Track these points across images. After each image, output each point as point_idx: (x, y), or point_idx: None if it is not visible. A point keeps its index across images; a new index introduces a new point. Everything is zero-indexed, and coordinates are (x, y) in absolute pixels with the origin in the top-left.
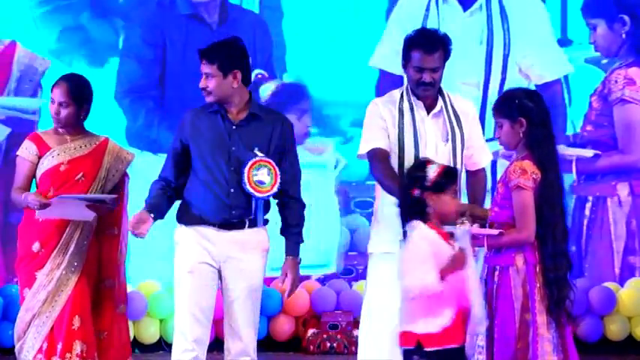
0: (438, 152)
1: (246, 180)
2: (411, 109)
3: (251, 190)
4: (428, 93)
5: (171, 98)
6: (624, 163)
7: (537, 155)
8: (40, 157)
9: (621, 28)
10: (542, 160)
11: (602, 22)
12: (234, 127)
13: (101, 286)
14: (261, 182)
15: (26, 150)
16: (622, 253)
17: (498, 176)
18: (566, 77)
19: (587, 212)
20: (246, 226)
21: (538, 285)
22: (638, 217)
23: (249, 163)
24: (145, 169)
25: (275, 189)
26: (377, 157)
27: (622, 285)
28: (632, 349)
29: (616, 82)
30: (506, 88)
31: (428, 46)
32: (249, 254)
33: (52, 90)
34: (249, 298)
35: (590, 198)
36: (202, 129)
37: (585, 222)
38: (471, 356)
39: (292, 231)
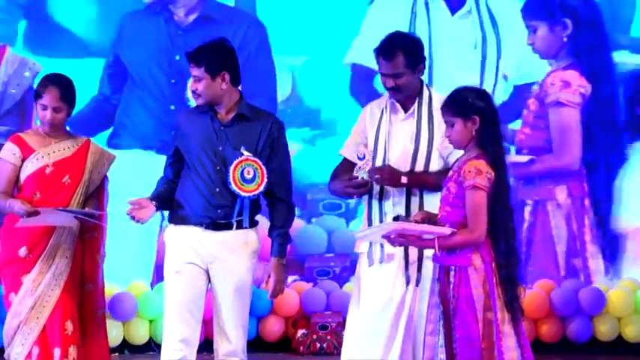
0: (404, 153)
1: (231, 179)
2: (390, 110)
3: (236, 189)
4: (396, 97)
5: (130, 99)
6: (558, 166)
7: (490, 154)
8: (23, 160)
9: (562, 32)
10: (495, 160)
11: (543, 24)
12: (222, 127)
13: (82, 290)
14: (247, 181)
15: (9, 152)
16: (565, 255)
17: None
18: None
19: (526, 216)
20: (234, 227)
21: (495, 282)
22: (578, 219)
23: (235, 162)
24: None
25: (261, 188)
26: (340, 164)
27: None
28: (622, 350)
29: (552, 84)
30: (497, 92)
31: (385, 52)
32: (237, 255)
33: (40, 96)
34: (237, 298)
35: (529, 202)
36: (192, 129)
37: (525, 226)
38: (435, 356)
39: (278, 232)
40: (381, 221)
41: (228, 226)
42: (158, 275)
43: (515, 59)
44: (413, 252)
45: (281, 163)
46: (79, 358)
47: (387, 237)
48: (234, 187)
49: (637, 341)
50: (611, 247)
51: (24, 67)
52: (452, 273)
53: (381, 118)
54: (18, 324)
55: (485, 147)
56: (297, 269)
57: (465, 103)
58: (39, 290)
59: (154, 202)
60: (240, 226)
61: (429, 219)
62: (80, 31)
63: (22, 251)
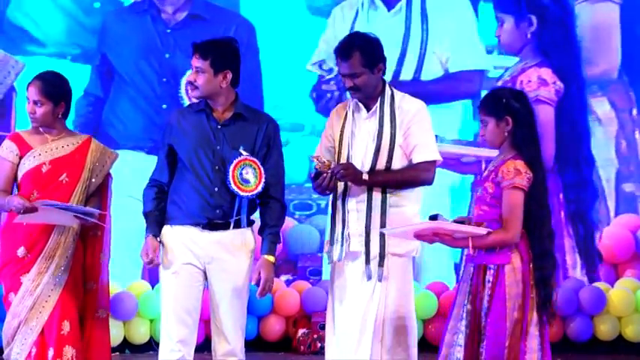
0: (367, 151)
1: (230, 179)
2: (354, 110)
3: (235, 189)
4: (355, 96)
5: (117, 98)
6: None
7: (526, 155)
8: (21, 158)
9: (527, 28)
10: (531, 161)
11: (510, 18)
12: (219, 126)
13: (84, 289)
14: (246, 181)
15: (7, 149)
16: None
17: None
18: None
19: None
20: (231, 226)
21: (531, 283)
22: (554, 214)
23: (234, 162)
24: None
25: (259, 188)
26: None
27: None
28: (622, 349)
29: (529, 81)
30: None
31: (342, 52)
32: (234, 255)
33: (27, 89)
34: (235, 298)
35: None
36: (187, 128)
37: None
38: (451, 354)
39: (269, 231)
40: (344, 219)
41: (225, 226)
42: (149, 274)
43: (453, 51)
44: (374, 247)
45: (276, 163)
46: (78, 359)
47: (419, 235)
48: (233, 186)
49: (637, 341)
50: (585, 243)
51: (6, 66)
52: (490, 272)
53: (345, 118)
54: (18, 324)
55: (520, 148)
56: (289, 269)
57: (499, 104)
58: (38, 290)
59: (157, 239)
60: (237, 226)
61: (462, 222)
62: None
63: (21, 251)
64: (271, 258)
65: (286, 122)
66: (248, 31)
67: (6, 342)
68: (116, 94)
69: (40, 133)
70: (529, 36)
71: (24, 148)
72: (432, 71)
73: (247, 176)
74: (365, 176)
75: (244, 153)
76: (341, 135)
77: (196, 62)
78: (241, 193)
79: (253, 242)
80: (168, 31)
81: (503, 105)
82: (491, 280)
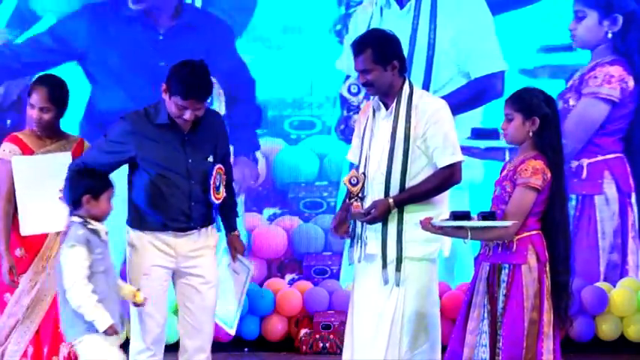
0: (383, 151)
1: (211, 192)
2: (375, 109)
3: (213, 199)
4: (370, 92)
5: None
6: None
7: (552, 159)
8: None
9: (610, 27)
10: (555, 165)
11: (593, 13)
12: (185, 137)
13: None
14: (217, 188)
15: (9, 152)
16: (608, 250)
17: None
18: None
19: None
20: (202, 228)
21: (547, 283)
22: (622, 214)
23: (213, 175)
24: None
25: (225, 192)
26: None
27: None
28: (624, 349)
29: (596, 77)
30: (433, 87)
31: (355, 48)
32: (203, 252)
33: (29, 95)
34: (207, 293)
35: (573, 196)
36: (152, 139)
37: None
38: (474, 356)
39: (232, 211)
40: (363, 222)
41: (198, 229)
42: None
43: (470, 53)
44: (391, 251)
45: (229, 158)
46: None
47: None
48: (213, 199)
49: (639, 341)
50: None
51: None
52: (504, 271)
53: (368, 117)
54: (14, 323)
55: (544, 151)
56: (294, 268)
57: (530, 102)
58: (35, 289)
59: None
60: (206, 226)
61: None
62: None
63: (18, 251)
64: (237, 232)
65: (297, 120)
66: (228, 33)
67: (0, 342)
68: (103, 99)
69: (38, 135)
70: (610, 35)
71: (25, 151)
72: (444, 73)
73: (217, 183)
74: (392, 204)
75: (213, 162)
76: (363, 134)
77: (197, 104)
78: (216, 202)
79: (216, 237)
80: (161, 37)
81: (534, 105)
82: (506, 279)
